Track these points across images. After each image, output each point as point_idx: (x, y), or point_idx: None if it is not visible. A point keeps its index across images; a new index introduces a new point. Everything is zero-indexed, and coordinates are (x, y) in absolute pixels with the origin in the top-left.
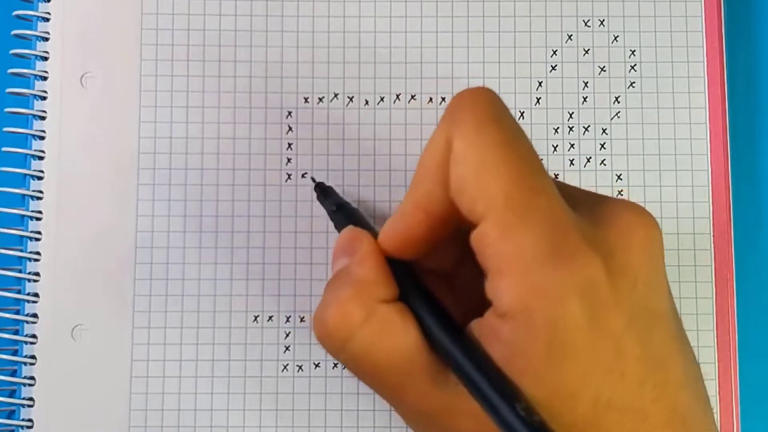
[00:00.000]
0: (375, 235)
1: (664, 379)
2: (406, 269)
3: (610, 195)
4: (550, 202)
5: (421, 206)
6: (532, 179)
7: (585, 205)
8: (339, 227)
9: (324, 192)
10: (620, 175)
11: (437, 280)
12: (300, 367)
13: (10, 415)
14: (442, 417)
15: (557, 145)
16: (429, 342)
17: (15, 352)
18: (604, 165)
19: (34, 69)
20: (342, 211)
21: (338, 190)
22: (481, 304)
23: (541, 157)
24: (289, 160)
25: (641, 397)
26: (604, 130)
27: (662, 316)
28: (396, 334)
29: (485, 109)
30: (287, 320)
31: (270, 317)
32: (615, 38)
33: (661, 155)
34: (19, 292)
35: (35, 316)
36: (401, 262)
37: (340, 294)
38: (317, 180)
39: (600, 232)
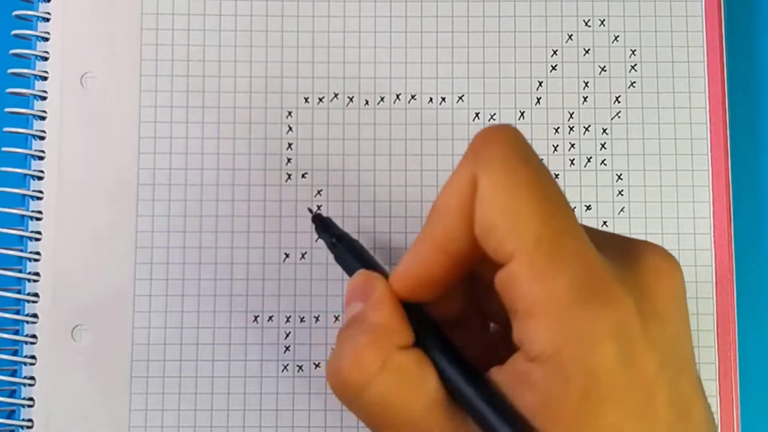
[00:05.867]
0: (384, 274)
1: (685, 427)
2: (420, 313)
3: (629, 231)
4: (579, 243)
5: (440, 246)
6: (562, 220)
7: (610, 248)
8: (340, 260)
9: (322, 223)
10: (620, 175)
11: (445, 329)
12: (300, 367)
13: (10, 415)
14: None
15: (558, 145)
16: (447, 388)
17: (15, 352)
18: (605, 165)
19: (34, 69)
20: (342, 244)
21: (338, 190)
22: (488, 352)
23: (541, 157)
24: (289, 160)
25: None
26: (604, 130)
27: (687, 362)
28: (414, 383)
29: (512, 148)
30: (287, 320)
31: (270, 317)
32: (615, 38)
33: (662, 155)
34: (19, 292)
35: (35, 316)
36: (415, 306)
37: (356, 341)
38: (314, 210)
39: (629, 274)
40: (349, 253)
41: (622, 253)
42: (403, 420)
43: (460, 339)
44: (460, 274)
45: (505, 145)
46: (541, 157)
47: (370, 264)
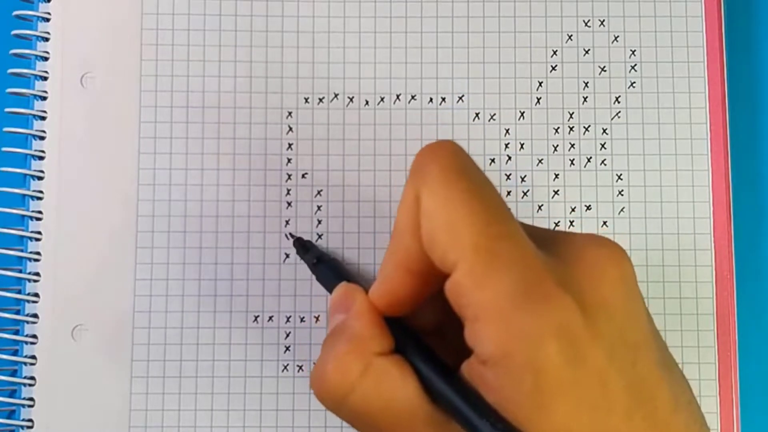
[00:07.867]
0: (364, 287)
1: (653, 408)
2: (399, 322)
3: (584, 230)
4: (517, 246)
5: (402, 267)
6: (498, 226)
7: (552, 245)
8: (321, 279)
9: (303, 246)
10: (620, 175)
11: (425, 338)
12: (300, 367)
13: (10, 415)
14: None
15: (557, 145)
16: (427, 390)
17: (15, 352)
18: (605, 165)
19: (34, 69)
20: (323, 263)
21: (338, 190)
22: (468, 357)
23: (541, 157)
24: (289, 160)
25: (633, 429)
26: (604, 130)
27: (643, 346)
28: (395, 385)
29: (449, 163)
30: (287, 320)
31: (270, 317)
32: (615, 38)
33: (662, 155)
34: (19, 292)
35: (35, 316)
36: (394, 318)
37: (338, 349)
38: (296, 234)
39: (569, 270)
40: (330, 271)
41: (564, 249)
42: (387, 420)
43: (440, 346)
44: (429, 288)
45: (442, 161)
46: (541, 157)
47: (350, 279)
